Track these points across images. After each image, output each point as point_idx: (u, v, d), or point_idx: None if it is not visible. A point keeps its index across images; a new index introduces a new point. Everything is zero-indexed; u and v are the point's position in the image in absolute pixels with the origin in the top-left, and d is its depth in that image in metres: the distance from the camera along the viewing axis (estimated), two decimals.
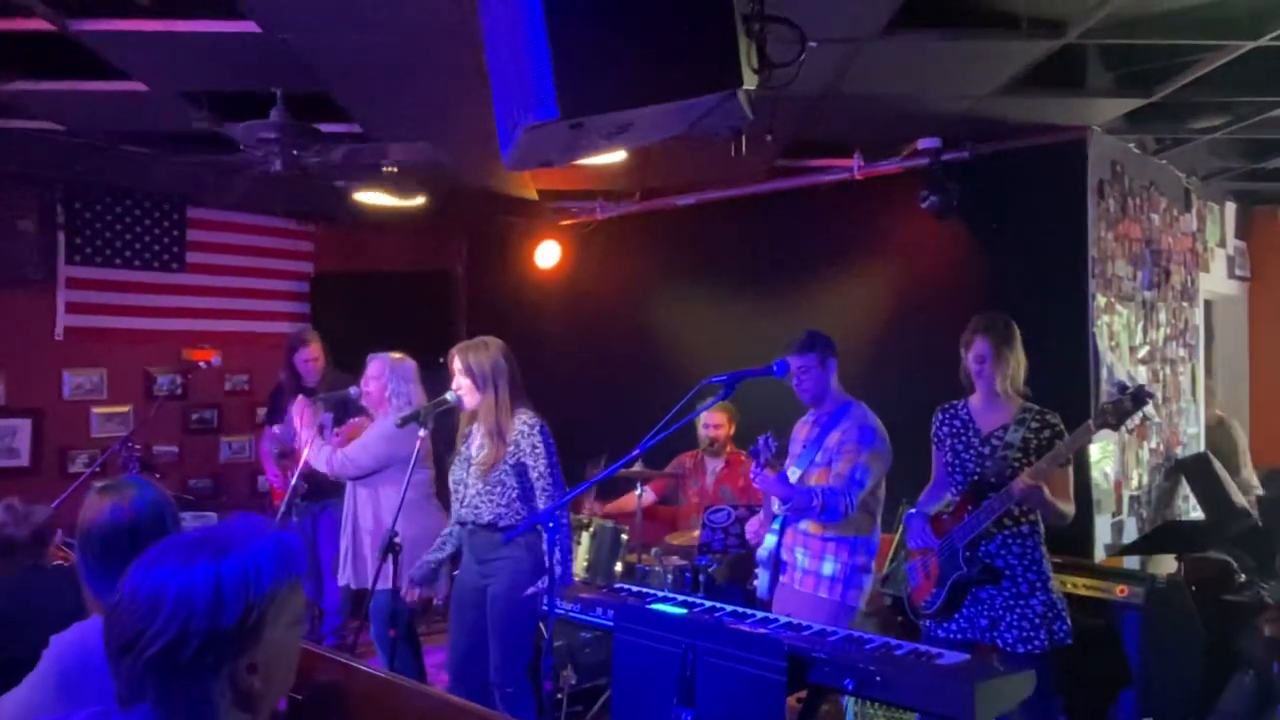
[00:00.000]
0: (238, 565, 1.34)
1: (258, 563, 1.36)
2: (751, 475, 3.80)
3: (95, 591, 2.02)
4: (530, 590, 3.68)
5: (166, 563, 1.34)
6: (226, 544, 1.36)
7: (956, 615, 3.42)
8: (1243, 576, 4.67)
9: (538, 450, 3.79)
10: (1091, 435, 3.31)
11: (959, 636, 3.42)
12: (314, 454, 4.50)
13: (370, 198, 6.03)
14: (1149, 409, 3.92)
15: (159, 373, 6.75)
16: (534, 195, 6.44)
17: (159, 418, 6.35)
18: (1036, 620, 3.29)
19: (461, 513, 3.96)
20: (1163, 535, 4.93)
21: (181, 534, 1.41)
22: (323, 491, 5.38)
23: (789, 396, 3.93)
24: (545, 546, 3.18)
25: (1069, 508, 3.36)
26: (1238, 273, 6.60)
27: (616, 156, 5.03)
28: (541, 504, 3.79)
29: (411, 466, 3.97)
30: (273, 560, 1.38)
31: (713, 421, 5.30)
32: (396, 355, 4.60)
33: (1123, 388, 3.21)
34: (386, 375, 4.52)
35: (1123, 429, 3.75)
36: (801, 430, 3.95)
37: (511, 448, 3.82)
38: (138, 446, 5.75)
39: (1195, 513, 5.62)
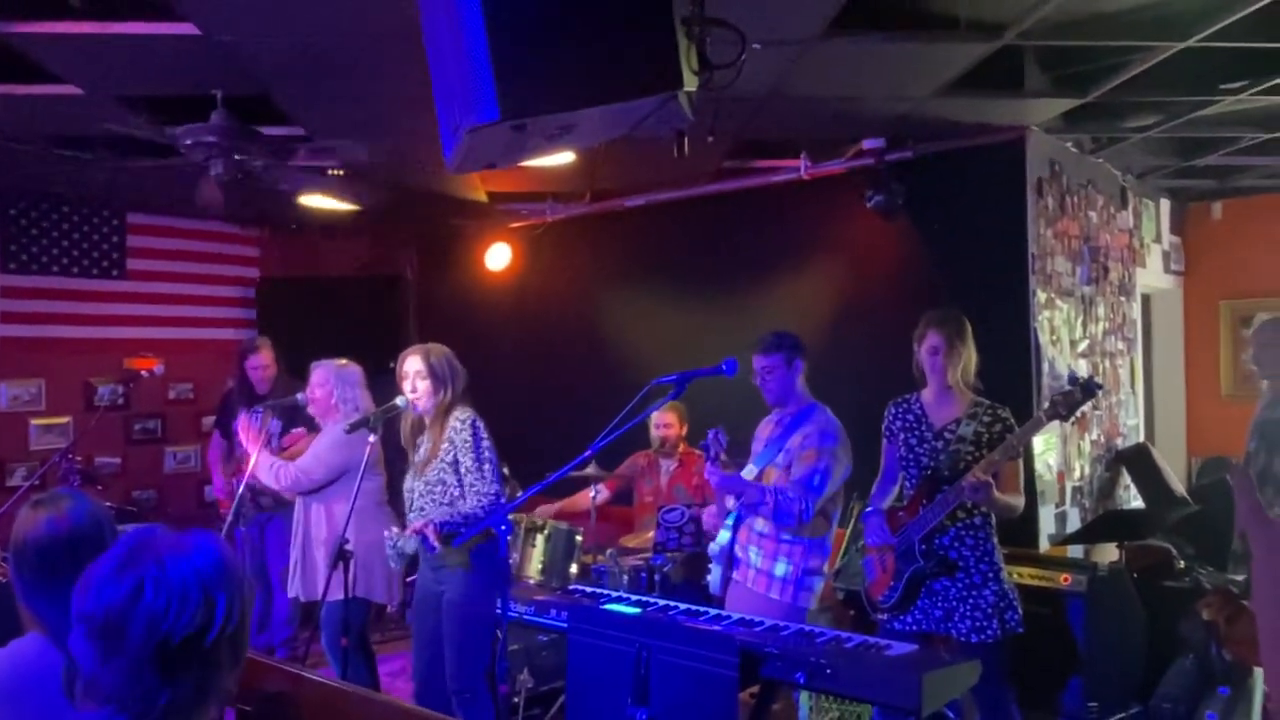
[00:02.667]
0: (176, 572, 1.34)
1: (198, 572, 1.36)
2: (706, 472, 3.81)
3: (32, 608, 1.97)
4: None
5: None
6: (165, 553, 1.35)
7: (912, 608, 3.47)
8: (1182, 563, 4.80)
9: (468, 444, 3.80)
10: (1043, 426, 3.38)
11: (914, 628, 3.47)
12: (263, 470, 4.43)
13: (316, 201, 5.96)
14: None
15: (100, 382, 6.61)
16: (483, 197, 6.42)
17: (100, 428, 6.22)
18: (989, 610, 3.35)
19: (411, 518, 3.94)
20: (1105, 524, 5.04)
21: (135, 535, 1.39)
22: (265, 503, 5.30)
23: (740, 396, 3.96)
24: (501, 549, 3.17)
25: (1019, 501, 3.43)
26: (1173, 267, 6.78)
27: (565, 158, 5.03)
28: (470, 501, 3.78)
29: (361, 473, 3.94)
30: (215, 569, 1.38)
31: (663, 422, 5.32)
32: (341, 361, 4.55)
33: (1073, 379, 3.28)
34: (332, 382, 4.47)
35: (1065, 422, 3.83)
36: (765, 429, 3.97)
37: (446, 444, 3.83)
38: (78, 458, 5.62)
39: (1136, 502, 5.77)
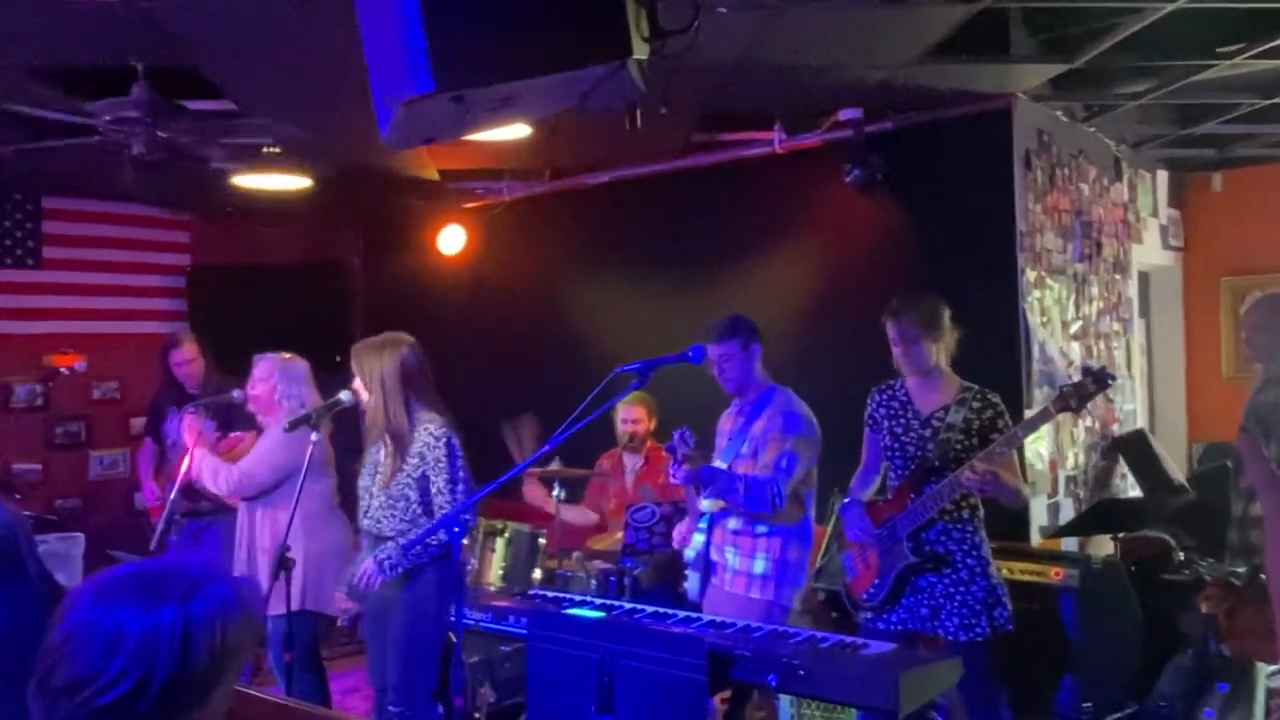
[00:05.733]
0: (204, 611, 1.34)
1: (225, 609, 1.36)
2: (671, 473, 3.84)
3: None
4: None
5: (121, 601, 1.33)
6: (190, 586, 1.36)
7: (897, 606, 3.54)
8: (1181, 555, 4.89)
9: (441, 464, 3.78)
10: (1051, 418, 3.44)
11: (899, 628, 3.54)
12: (206, 473, 4.42)
13: (251, 182, 5.93)
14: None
15: (16, 382, 6.55)
16: (434, 176, 6.41)
17: (18, 432, 6.18)
18: (978, 607, 3.43)
19: (365, 523, 3.95)
20: (1098, 515, 5.13)
21: (124, 568, 1.39)
22: (203, 509, 5.28)
23: (713, 386, 4.01)
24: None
25: (1024, 488, 3.51)
26: (1171, 243, 6.89)
27: (518, 131, 5.04)
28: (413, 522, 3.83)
29: (304, 475, 3.94)
30: (238, 608, 1.39)
31: (631, 416, 5.34)
32: (286, 355, 4.55)
33: (1086, 370, 3.35)
34: (276, 377, 4.46)
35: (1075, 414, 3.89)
36: (726, 422, 4.02)
37: (415, 459, 3.81)
38: None
39: (1133, 491, 5.88)
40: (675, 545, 4.22)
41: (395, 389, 3.81)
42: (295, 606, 4.10)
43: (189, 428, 4.52)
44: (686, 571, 4.06)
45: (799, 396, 3.92)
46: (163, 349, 5.73)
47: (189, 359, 5.59)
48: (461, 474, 3.82)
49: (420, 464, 3.81)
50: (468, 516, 3.67)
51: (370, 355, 3.87)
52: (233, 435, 4.90)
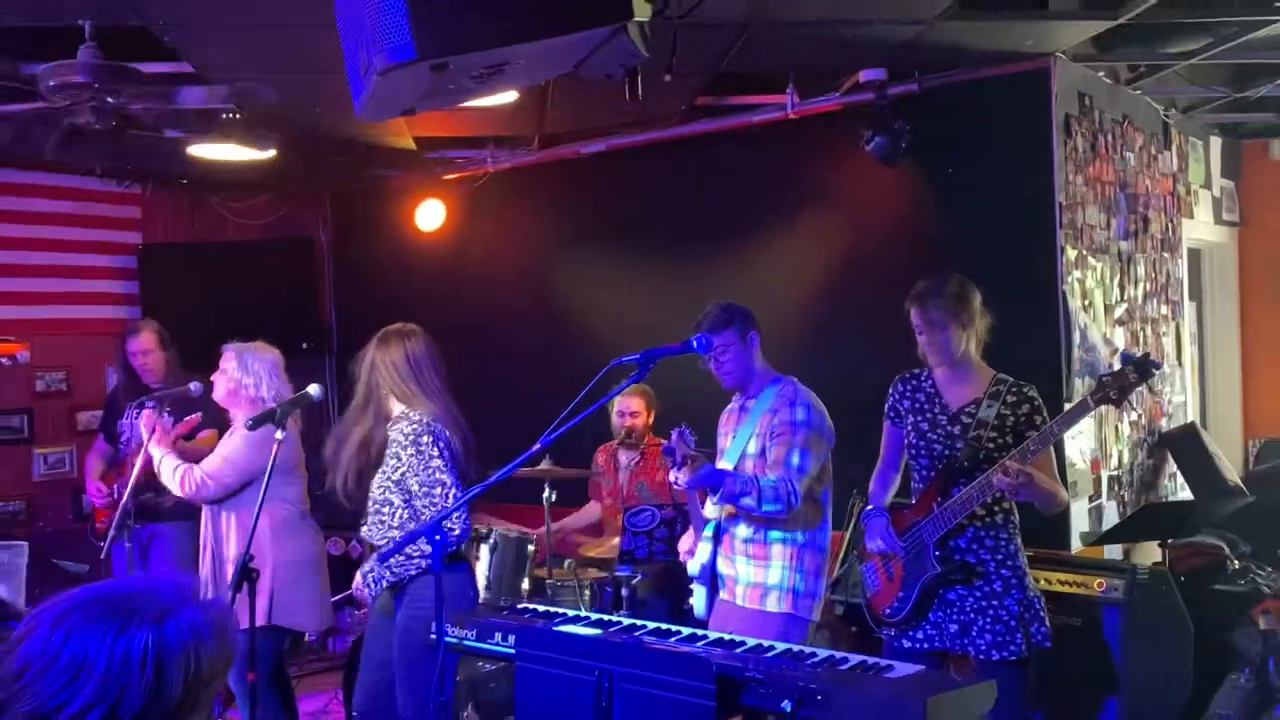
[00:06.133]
0: (177, 637, 1.35)
1: (198, 635, 1.38)
2: (672, 479, 3.82)
3: None
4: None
5: (84, 627, 1.33)
6: (161, 610, 1.37)
7: (923, 622, 3.54)
8: (1236, 563, 4.90)
9: (413, 461, 3.82)
10: (1089, 412, 3.43)
11: (925, 646, 3.53)
12: (166, 473, 4.41)
13: (209, 152, 5.91)
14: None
15: None
16: (410, 144, 6.39)
17: None
18: (1012, 623, 3.42)
19: (364, 530, 4.02)
20: (1145, 519, 5.13)
21: (87, 590, 1.40)
22: (154, 513, 5.28)
23: (713, 378, 3.99)
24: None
25: (1063, 492, 3.50)
26: (1226, 217, 6.88)
27: (505, 96, 5.01)
28: (395, 524, 3.86)
29: (269, 477, 3.94)
30: (211, 633, 1.40)
31: (629, 408, 5.35)
32: (257, 344, 4.55)
33: (1126, 357, 3.33)
34: (238, 368, 4.46)
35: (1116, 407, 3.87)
36: (728, 420, 4.01)
37: (393, 460, 3.85)
38: None
39: (1183, 493, 5.88)
40: (682, 558, 4.21)
41: (374, 385, 3.94)
42: (260, 621, 4.10)
43: (147, 421, 4.51)
44: (692, 586, 4.04)
45: (809, 388, 3.90)
46: (122, 338, 5.74)
47: (145, 349, 5.58)
48: (441, 475, 3.81)
49: (398, 464, 3.84)
50: (453, 524, 3.68)
51: (368, 349, 3.99)
52: (200, 436, 4.89)
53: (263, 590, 4.12)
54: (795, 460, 3.68)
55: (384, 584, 3.89)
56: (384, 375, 3.94)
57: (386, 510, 3.87)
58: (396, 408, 3.94)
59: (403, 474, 3.83)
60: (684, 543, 4.24)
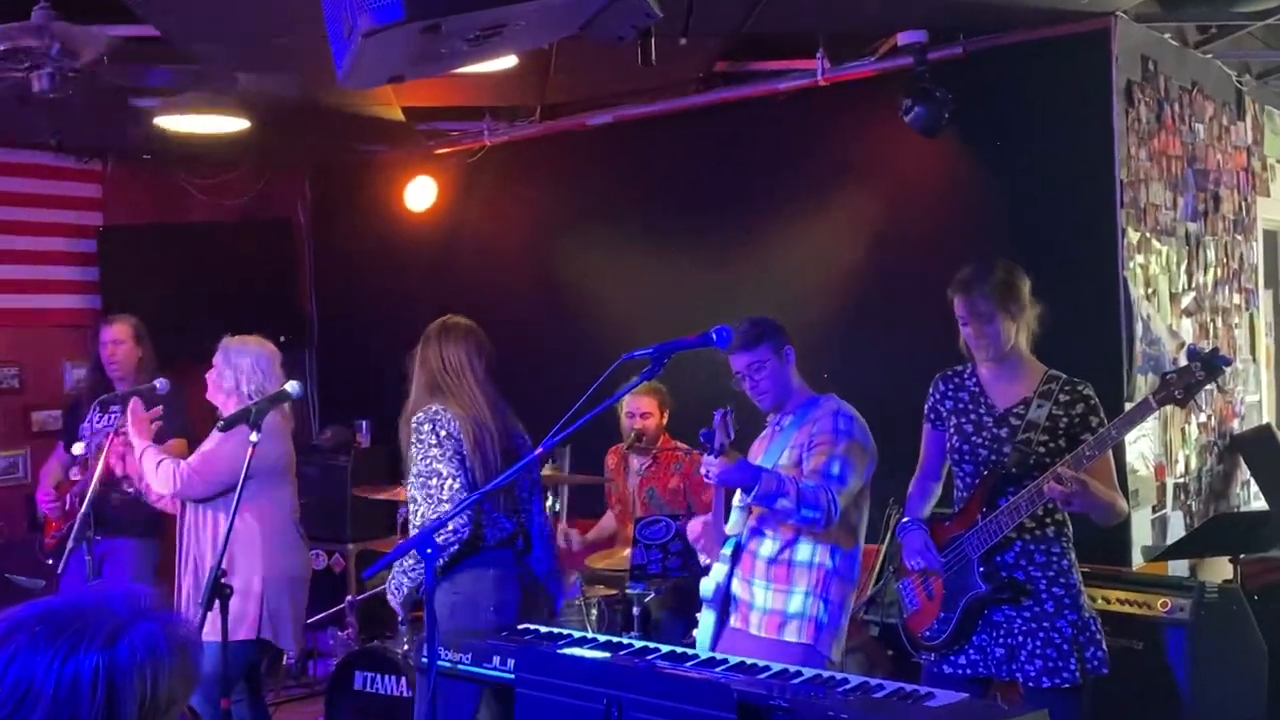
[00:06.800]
0: (130, 657, 1.36)
1: (154, 653, 1.38)
2: (703, 469, 3.78)
3: None
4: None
5: (30, 647, 1.34)
6: (113, 627, 1.37)
7: (967, 646, 3.53)
8: None
9: (415, 451, 3.96)
10: (1152, 413, 3.42)
11: (969, 672, 3.52)
12: (150, 466, 4.44)
13: (176, 123, 5.93)
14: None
15: None
16: (398, 115, 6.39)
17: None
18: (1065, 646, 3.41)
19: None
20: (1214, 532, 5.12)
21: (32, 607, 1.40)
22: (110, 523, 5.29)
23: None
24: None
25: (1121, 501, 3.49)
26: None
27: (504, 62, 5.02)
28: (416, 522, 3.91)
29: (243, 481, 3.95)
30: (170, 650, 1.40)
31: (640, 408, 5.34)
32: (248, 338, 4.59)
33: (1193, 353, 3.32)
34: (223, 363, 4.50)
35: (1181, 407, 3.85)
36: (760, 445, 3.98)
37: (412, 451, 4.00)
38: None
39: (1257, 502, 5.86)
40: (691, 540, 4.16)
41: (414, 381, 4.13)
42: (248, 635, 4.23)
43: (136, 414, 4.53)
44: (703, 609, 4.00)
45: (845, 399, 3.89)
46: (95, 328, 5.77)
47: (118, 339, 5.56)
48: (437, 464, 3.92)
49: (412, 458, 4.00)
50: (447, 533, 3.72)
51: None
52: (170, 443, 4.90)
53: (252, 600, 4.23)
54: (835, 470, 3.65)
55: (405, 590, 4.03)
56: (416, 370, 4.16)
57: (413, 506, 4.03)
58: (425, 402, 4.09)
59: (416, 468, 3.98)
60: (694, 526, 4.18)
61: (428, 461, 3.93)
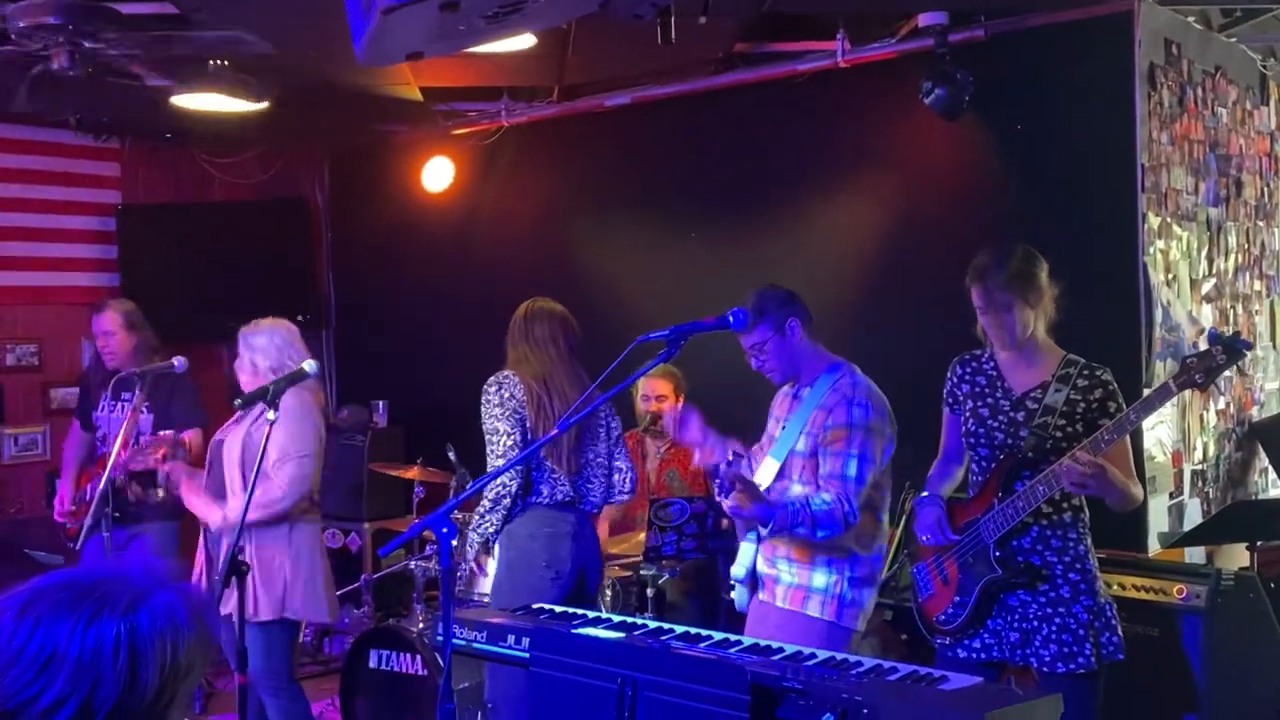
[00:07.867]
0: (152, 624, 1.38)
1: (174, 622, 1.40)
2: (726, 507, 3.81)
3: None
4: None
5: (52, 615, 1.36)
6: (133, 596, 1.40)
7: (981, 630, 3.53)
8: None
9: (483, 411, 4.29)
10: (1172, 398, 3.40)
11: (983, 656, 3.53)
12: (237, 521, 4.07)
13: (195, 102, 5.94)
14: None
15: None
16: (416, 96, 6.40)
17: None
18: (1081, 632, 3.40)
19: None
20: (1232, 519, 5.10)
21: (53, 577, 1.43)
22: (130, 516, 5.29)
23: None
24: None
25: (1137, 487, 3.47)
26: None
27: (522, 42, 5.01)
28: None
29: (259, 464, 3.96)
30: (189, 620, 1.42)
31: (655, 391, 5.35)
32: (263, 320, 4.60)
33: (1214, 337, 3.30)
34: (244, 348, 4.53)
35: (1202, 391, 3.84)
36: (780, 406, 3.98)
37: (481, 411, 4.32)
38: None
39: (1275, 489, 5.84)
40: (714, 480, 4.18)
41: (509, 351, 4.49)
42: (270, 616, 4.29)
43: (185, 480, 4.55)
44: (733, 583, 4.05)
45: (864, 374, 3.88)
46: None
47: (107, 330, 5.48)
48: (496, 422, 4.22)
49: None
50: (497, 486, 4.14)
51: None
52: (162, 434, 4.86)
53: (276, 580, 4.32)
54: (852, 472, 3.66)
55: (476, 548, 4.40)
56: (508, 347, 4.51)
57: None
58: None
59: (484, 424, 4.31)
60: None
61: (491, 420, 4.24)
